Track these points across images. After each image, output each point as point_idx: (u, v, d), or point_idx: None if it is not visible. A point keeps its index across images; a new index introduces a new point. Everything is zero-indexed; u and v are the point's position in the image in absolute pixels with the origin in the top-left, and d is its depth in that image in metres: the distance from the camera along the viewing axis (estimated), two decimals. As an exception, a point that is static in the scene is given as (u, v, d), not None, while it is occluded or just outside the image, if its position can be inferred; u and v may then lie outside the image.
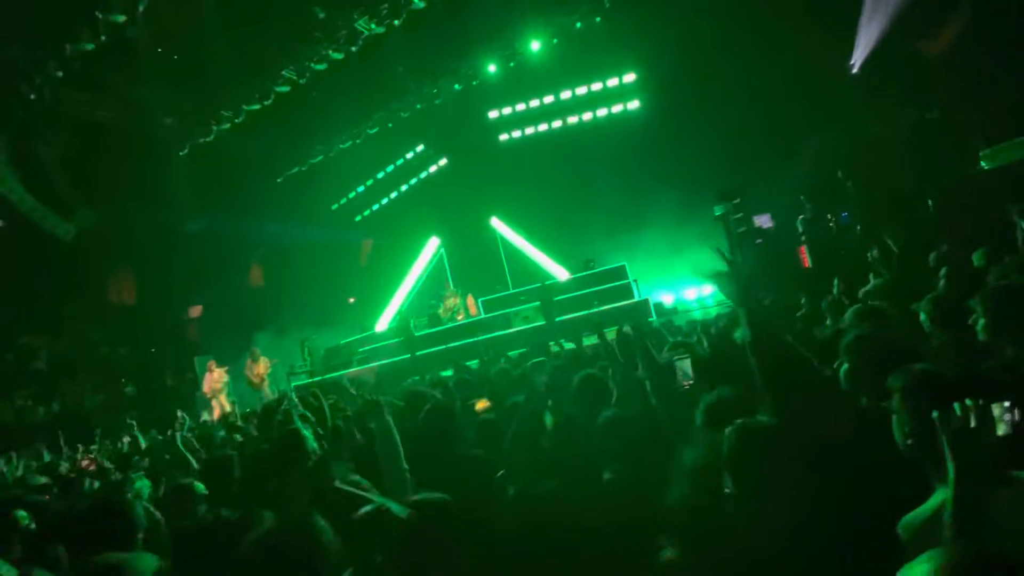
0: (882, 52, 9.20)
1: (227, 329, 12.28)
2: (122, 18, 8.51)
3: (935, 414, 1.12)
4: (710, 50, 10.29)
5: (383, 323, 14.18)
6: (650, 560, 1.56)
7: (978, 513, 1.03)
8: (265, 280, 14.68)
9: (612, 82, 12.80)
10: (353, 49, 10.33)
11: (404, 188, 15.80)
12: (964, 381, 1.31)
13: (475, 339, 10.40)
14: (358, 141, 13.66)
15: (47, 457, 5.18)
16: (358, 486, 2.09)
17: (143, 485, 3.08)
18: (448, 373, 5.63)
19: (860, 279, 4.76)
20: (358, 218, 16.20)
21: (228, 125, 11.52)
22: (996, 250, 3.90)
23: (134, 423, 5.00)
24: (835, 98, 10.02)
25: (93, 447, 5.59)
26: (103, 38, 8.69)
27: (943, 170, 6.99)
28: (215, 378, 10.67)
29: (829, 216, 8.21)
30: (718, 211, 8.90)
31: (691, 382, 2.68)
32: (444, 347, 10.66)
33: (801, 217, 8.52)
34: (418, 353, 10.38)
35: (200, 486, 2.91)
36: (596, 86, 12.87)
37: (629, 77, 12.67)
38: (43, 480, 4.12)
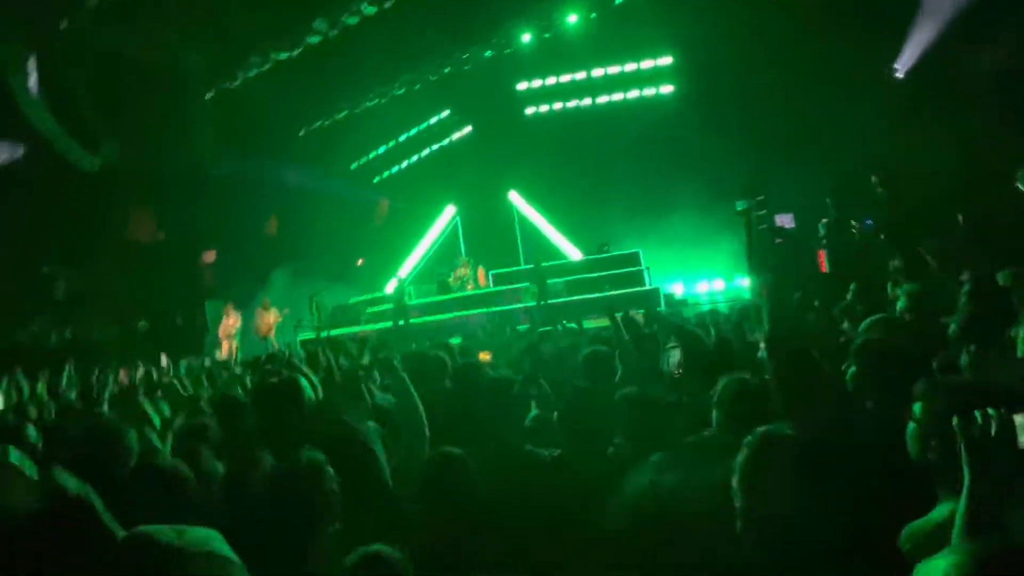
0: (931, 59, 8.89)
1: (239, 276, 12.41)
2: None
3: (955, 421, 1.11)
4: (751, 39, 10.01)
5: (392, 286, 14.25)
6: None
7: (991, 524, 1.02)
8: (280, 231, 14.74)
9: (647, 64, 12.52)
10: (387, 5, 10.13)
11: (425, 153, 15.67)
12: (987, 390, 1.29)
13: (478, 311, 10.48)
14: (383, 101, 13.52)
15: (65, 381, 5.33)
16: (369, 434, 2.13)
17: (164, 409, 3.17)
18: (457, 340, 5.66)
19: (878, 288, 4.70)
20: (376, 179, 16.13)
21: (255, 72, 11.42)
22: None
23: (164, 355, 5.12)
24: (875, 101, 9.73)
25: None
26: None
27: (980, 186, 6.81)
28: (230, 323, 10.83)
29: (853, 222, 8.06)
30: (740, 206, 8.74)
31: (680, 371, 2.75)
32: (445, 316, 10.75)
33: (824, 220, 8.38)
34: (411, 321, 10.47)
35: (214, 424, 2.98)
36: (630, 66, 12.60)
37: (665, 60, 12.37)
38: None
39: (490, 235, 14.10)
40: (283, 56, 11.17)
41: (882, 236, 7.52)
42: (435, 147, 15.59)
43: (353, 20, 10.46)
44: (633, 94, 12.91)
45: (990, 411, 1.07)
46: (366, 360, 4.33)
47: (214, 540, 1.07)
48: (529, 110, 13.92)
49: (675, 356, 2.68)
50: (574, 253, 13.19)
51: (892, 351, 2.04)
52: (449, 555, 1.72)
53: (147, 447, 2.72)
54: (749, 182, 9.98)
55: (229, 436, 2.96)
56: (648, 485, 1.64)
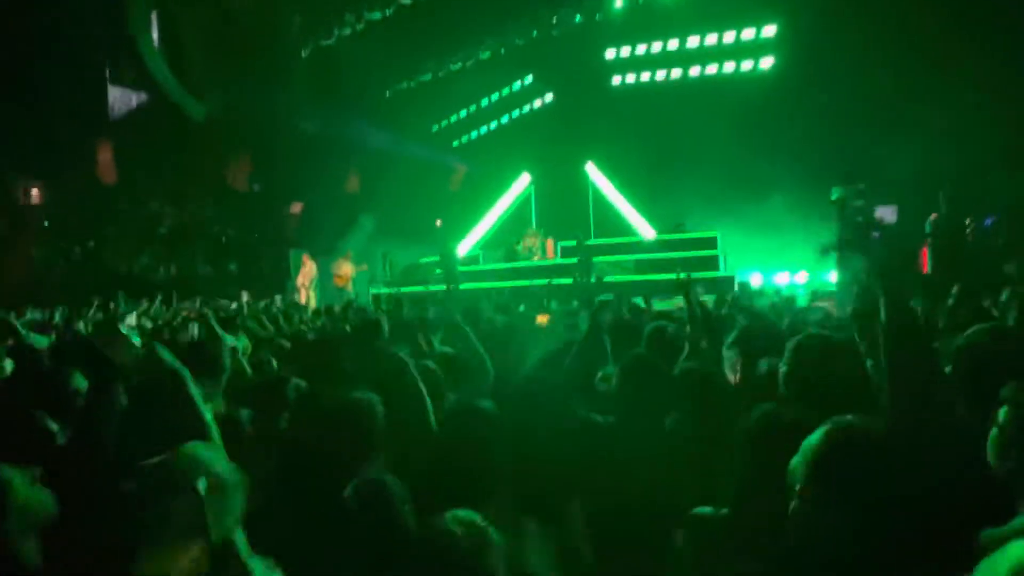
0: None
1: (321, 228, 13.14)
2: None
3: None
4: (866, 10, 9.02)
5: (463, 249, 14.53)
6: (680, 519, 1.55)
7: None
8: (361, 188, 15.34)
9: (747, 33, 11.62)
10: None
11: (505, 119, 15.59)
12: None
13: (542, 281, 10.46)
14: (468, 64, 13.53)
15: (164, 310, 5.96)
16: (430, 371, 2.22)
17: (243, 343, 3.45)
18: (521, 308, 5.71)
19: (990, 292, 4.22)
20: (455, 143, 16.31)
21: (349, 30, 11.77)
22: None
23: (245, 292, 5.59)
24: (1004, 91, 8.53)
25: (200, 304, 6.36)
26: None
27: None
28: (307, 271, 11.53)
29: (968, 220, 7.23)
30: (835, 194, 8.08)
31: (738, 379, 2.56)
32: (508, 284, 10.82)
33: (933, 216, 7.56)
34: (476, 286, 10.61)
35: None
36: (729, 36, 11.75)
37: (769, 30, 11.43)
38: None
39: (563, 206, 13.92)
40: (376, 16, 11.43)
41: (999, 240, 6.73)
42: (516, 113, 15.47)
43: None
44: (729, 67, 12.06)
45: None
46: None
47: None
48: (615, 79, 13.41)
49: (732, 359, 2.51)
50: (647, 231, 12.79)
51: (996, 357, 1.84)
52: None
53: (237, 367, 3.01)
54: (849, 169, 9.16)
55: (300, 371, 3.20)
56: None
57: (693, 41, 12.19)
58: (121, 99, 12.40)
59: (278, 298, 7.70)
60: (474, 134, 16.19)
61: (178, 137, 12.08)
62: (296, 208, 14.45)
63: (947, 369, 2.04)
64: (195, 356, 2.63)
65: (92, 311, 5.85)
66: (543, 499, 1.79)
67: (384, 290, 11.96)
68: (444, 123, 16.08)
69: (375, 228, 13.57)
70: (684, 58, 12.48)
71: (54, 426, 1.91)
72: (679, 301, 4.92)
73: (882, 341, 1.61)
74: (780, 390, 1.91)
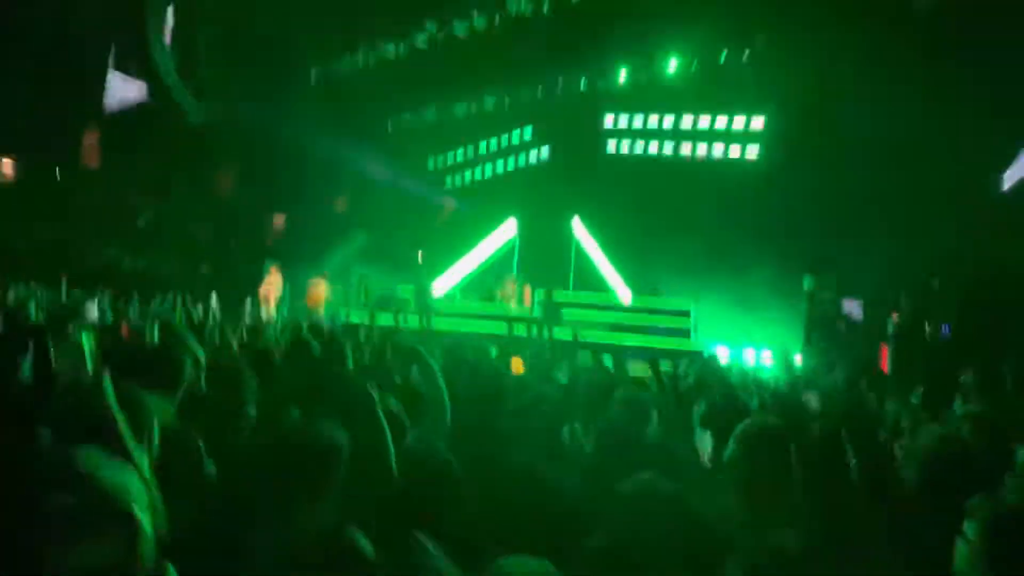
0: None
1: (301, 245, 12.99)
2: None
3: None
4: (852, 117, 9.74)
5: (441, 286, 14.49)
6: None
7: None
8: (348, 213, 15.34)
9: (738, 122, 12.37)
10: (496, 22, 10.54)
11: (500, 167, 15.97)
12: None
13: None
14: (473, 110, 13.95)
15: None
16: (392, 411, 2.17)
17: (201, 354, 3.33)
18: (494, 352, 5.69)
19: (942, 399, 4.40)
20: (448, 182, 16.56)
21: (362, 62, 12.08)
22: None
23: (214, 293, 5.44)
24: (973, 207, 9.23)
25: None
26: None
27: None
28: (271, 281, 11.24)
29: (928, 325, 7.60)
30: (807, 284, 8.45)
31: (711, 462, 2.55)
32: (480, 328, 10.81)
33: (895, 316, 7.94)
34: (445, 328, 10.57)
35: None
36: (721, 122, 12.48)
37: (757, 122, 12.19)
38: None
39: (545, 257, 14.13)
40: (389, 50, 11.78)
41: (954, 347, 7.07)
42: (511, 162, 15.88)
43: (462, 29, 10.93)
44: (718, 149, 12.77)
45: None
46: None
47: None
48: (611, 145, 13.99)
49: (707, 442, 2.52)
50: (624, 293, 13.03)
51: (959, 462, 1.91)
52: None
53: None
54: (820, 261, 9.64)
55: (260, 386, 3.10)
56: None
57: (687, 121, 12.88)
58: (120, 86, 12.29)
59: (248, 301, 7.50)
60: (468, 176, 16.50)
61: (171, 134, 11.98)
62: (278, 221, 14.31)
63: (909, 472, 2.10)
64: (155, 363, 2.54)
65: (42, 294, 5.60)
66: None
67: (356, 316, 11.76)
68: (440, 161, 16.38)
69: (358, 250, 13.48)
70: (677, 135, 13.15)
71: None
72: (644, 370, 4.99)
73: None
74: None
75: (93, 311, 4.66)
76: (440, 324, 10.84)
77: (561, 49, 11.67)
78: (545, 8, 10.03)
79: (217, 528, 1.60)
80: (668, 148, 13.35)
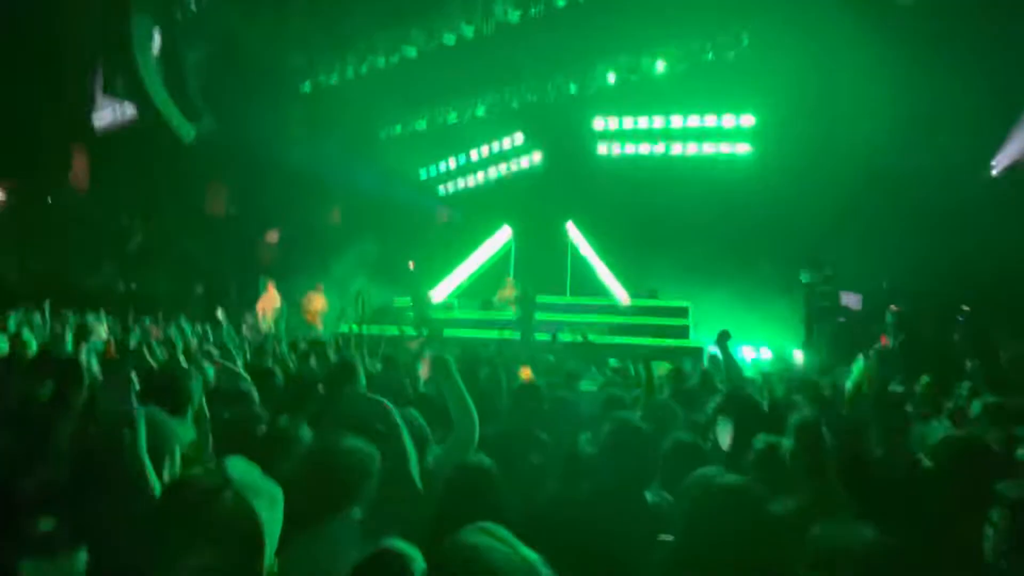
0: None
1: (295, 260, 12.92)
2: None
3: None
4: (840, 111, 9.84)
5: (438, 294, 14.46)
6: None
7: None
8: (341, 225, 15.29)
9: (728, 120, 12.45)
10: (485, 30, 10.58)
11: (492, 173, 15.98)
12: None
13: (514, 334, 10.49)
14: (464, 117, 13.97)
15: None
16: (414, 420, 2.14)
17: (208, 370, 3.29)
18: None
19: (947, 385, 4.41)
20: (441, 191, 16.56)
21: (352, 73, 12.08)
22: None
23: (220, 308, 5.38)
24: (965, 196, 9.31)
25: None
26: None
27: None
28: (269, 298, 11.19)
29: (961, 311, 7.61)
30: (805, 278, 8.47)
31: (731, 446, 2.57)
32: (480, 334, 10.79)
33: (893, 307, 7.98)
34: (448, 333, 10.55)
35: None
36: (710, 120, 12.55)
37: (747, 120, 12.28)
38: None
39: (541, 262, 14.13)
40: (379, 62, 11.79)
41: (956, 337, 7.11)
42: (503, 169, 15.90)
43: (451, 39, 10.96)
44: (709, 148, 12.83)
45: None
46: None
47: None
48: (601, 148, 14.03)
49: (726, 430, 2.53)
50: (621, 295, 13.04)
51: (982, 451, 1.91)
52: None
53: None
54: (817, 255, 9.68)
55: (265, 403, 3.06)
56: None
57: (677, 121, 12.95)
58: (108, 108, 12.23)
59: (247, 317, 7.44)
60: (460, 184, 16.51)
61: (161, 154, 11.91)
62: (272, 236, 14.24)
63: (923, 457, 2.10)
64: (162, 385, 2.50)
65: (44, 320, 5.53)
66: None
67: (354, 328, 11.68)
68: (432, 170, 16.38)
69: (351, 265, 13.42)
70: (668, 135, 13.21)
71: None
72: (664, 367, 4.99)
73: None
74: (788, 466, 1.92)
75: (102, 332, 4.61)
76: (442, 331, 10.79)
77: (549, 54, 11.73)
78: (532, 12, 10.08)
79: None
80: (660, 148, 13.40)
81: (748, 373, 4.49)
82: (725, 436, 2.51)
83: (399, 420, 2.00)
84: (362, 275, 13.42)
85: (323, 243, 13.85)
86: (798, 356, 9.05)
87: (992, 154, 9.71)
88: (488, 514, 1.74)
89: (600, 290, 13.40)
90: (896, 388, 4.43)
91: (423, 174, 16.29)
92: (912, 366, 5.33)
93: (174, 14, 10.91)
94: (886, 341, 7.85)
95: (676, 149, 13.20)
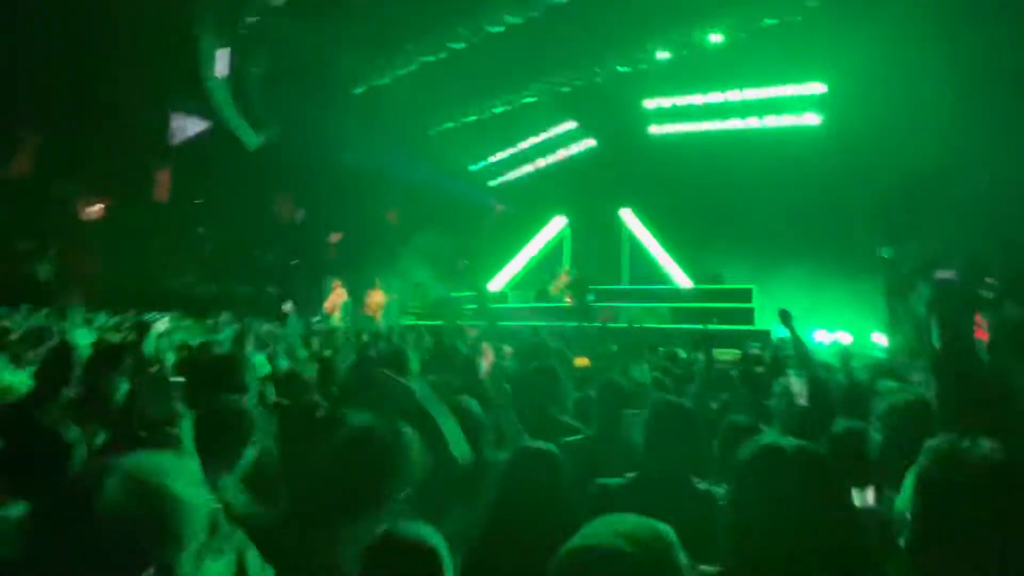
0: None
1: (357, 258, 13.45)
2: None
3: None
4: (920, 73, 8.94)
5: (495, 285, 14.61)
6: None
7: None
8: (399, 222, 15.71)
9: (792, 90, 11.66)
10: (531, 15, 10.45)
11: (543, 162, 15.86)
12: None
13: (571, 324, 10.40)
14: (512, 108, 13.92)
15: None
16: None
17: (260, 361, 3.46)
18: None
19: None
20: (493, 183, 16.63)
21: (402, 72, 12.31)
22: None
23: (289, 303, 5.69)
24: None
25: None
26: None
27: None
28: (336, 297, 11.75)
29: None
30: (886, 253, 7.82)
31: (802, 402, 2.44)
32: (538, 323, 10.76)
33: (989, 280, 7.20)
34: (503, 324, 10.60)
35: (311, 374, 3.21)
36: (773, 91, 11.79)
37: (815, 87, 11.42)
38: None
39: (597, 250, 13.91)
40: (428, 59, 11.94)
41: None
42: (555, 157, 15.74)
43: (497, 29, 10.91)
44: (771, 121, 12.07)
45: None
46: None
47: None
48: (653, 128, 13.56)
49: (797, 385, 2.37)
50: (683, 280, 12.61)
51: None
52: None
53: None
54: (895, 230, 8.91)
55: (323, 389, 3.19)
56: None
57: (734, 95, 12.28)
58: (183, 125, 13.14)
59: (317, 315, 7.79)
60: (512, 174, 16.50)
61: (231, 164, 12.68)
62: (335, 237, 14.84)
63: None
64: (222, 371, 2.63)
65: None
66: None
67: (414, 321, 12.02)
68: (484, 162, 16.47)
69: (409, 260, 13.78)
70: (725, 110, 12.56)
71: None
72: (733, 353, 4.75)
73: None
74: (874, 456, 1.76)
75: (163, 324, 4.96)
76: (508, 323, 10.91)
77: (596, 35, 11.41)
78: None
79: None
80: (717, 125, 12.76)
81: (823, 356, 4.18)
82: (797, 391, 2.35)
83: (435, 404, 2.01)
84: (420, 269, 13.78)
85: (382, 241, 14.29)
86: (880, 339, 8.39)
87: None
88: (548, 499, 1.73)
89: (660, 277, 13.03)
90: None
91: (474, 167, 16.41)
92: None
93: (236, 31, 11.54)
94: (981, 320, 7.11)
95: (735, 124, 12.54)
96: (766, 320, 10.75)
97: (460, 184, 15.57)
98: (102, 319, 6.02)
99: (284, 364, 3.87)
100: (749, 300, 11.07)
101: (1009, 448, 1.15)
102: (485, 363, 2.86)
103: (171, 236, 12.55)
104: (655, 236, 13.56)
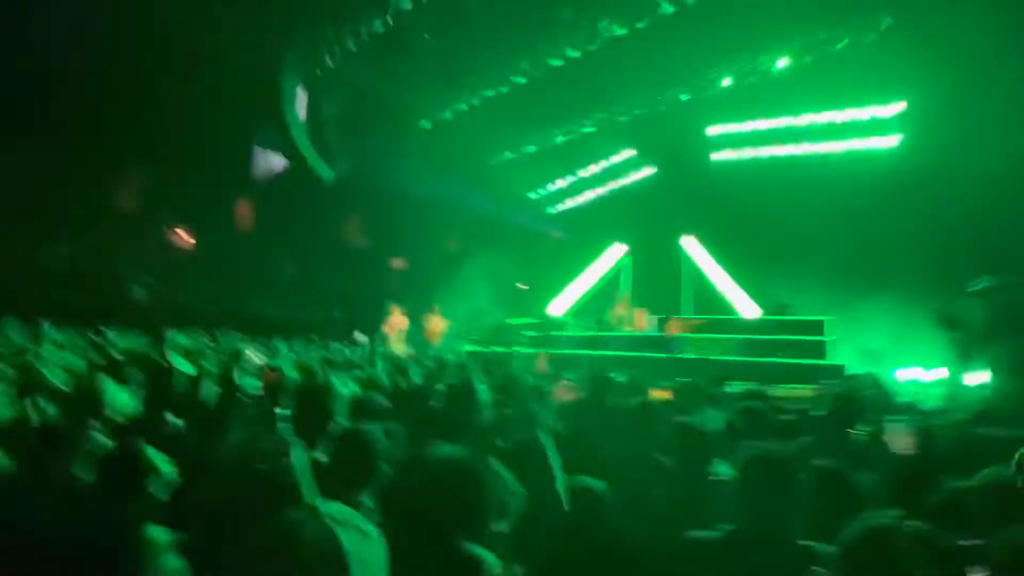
0: None
1: (417, 284, 13.86)
2: (408, 5, 9.96)
3: None
4: (1009, 88, 8.33)
5: (555, 311, 14.61)
6: None
7: None
8: (459, 250, 16.10)
9: (868, 112, 11.12)
10: (591, 48, 10.62)
11: (604, 190, 15.85)
12: None
13: (634, 353, 10.20)
14: (572, 137, 14.09)
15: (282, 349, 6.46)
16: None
17: (352, 389, 3.60)
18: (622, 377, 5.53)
19: None
20: (551, 210, 16.76)
21: (466, 107, 12.79)
22: None
23: (359, 333, 5.94)
24: None
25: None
26: (391, 22, 10.30)
27: None
28: (395, 322, 12.10)
29: None
30: (980, 284, 7.21)
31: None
32: (597, 352, 10.63)
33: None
34: (564, 352, 10.53)
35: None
36: (847, 114, 11.29)
37: (895, 107, 10.80)
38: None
39: (657, 279, 13.66)
40: (490, 93, 12.35)
41: None
42: (615, 185, 15.70)
43: (557, 63, 11.16)
44: (847, 145, 11.50)
45: None
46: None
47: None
48: (717, 156, 13.29)
49: (902, 431, 2.20)
50: (752, 309, 12.11)
51: None
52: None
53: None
54: (987, 259, 8.18)
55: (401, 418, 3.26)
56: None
57: (804, 119, 11.87)
58: (265, 160, 14.19)
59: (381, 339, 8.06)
60: (572, 202, 16.57)
61: (307, 197, 13.53)
62: (398, 263, 15.39)
63: None
64: (304, 402, 2.76)
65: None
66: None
67: (472, 347, 12.16)
68: (543, 191, 16.65)
69: (468, 287, 14.04)
70: (794, 135, 12.14)
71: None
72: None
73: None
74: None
75: (252, 356, 5.30)
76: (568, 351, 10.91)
77: (657, 65, 11.41)
78: (639, 25, 9.92)
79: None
80: (786, 150, 12.33)
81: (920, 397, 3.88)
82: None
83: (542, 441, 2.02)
84: (478, 296, 14.00)
85: (443, 268, 14.66)
86: (981, 378, 7.65)
87: None
88: (602, 544, 1.68)
89: (723, 307, 12.60)
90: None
91: (533, 195, 16.62)
92: None
93: (315, 71, 12.43)
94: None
95: (804, 149, 12.08)
96: (840, 355, 10.11)
97: (519, 211, 15.81)
98: (184, 340, 6.48)
99: (355, 390, 3.99)
100: (821, 332, 10.47)
101: None
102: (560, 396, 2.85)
103: (250, 263, 13.45)
104: (721, 264, 13.16)
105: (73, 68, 10.30)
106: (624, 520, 1.78)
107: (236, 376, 3.78)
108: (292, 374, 4.33)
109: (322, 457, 2.19)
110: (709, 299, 12.74)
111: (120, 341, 6.21)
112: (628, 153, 14.96)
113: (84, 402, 2.88)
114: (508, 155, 15.18)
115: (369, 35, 10.67)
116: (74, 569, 0.90)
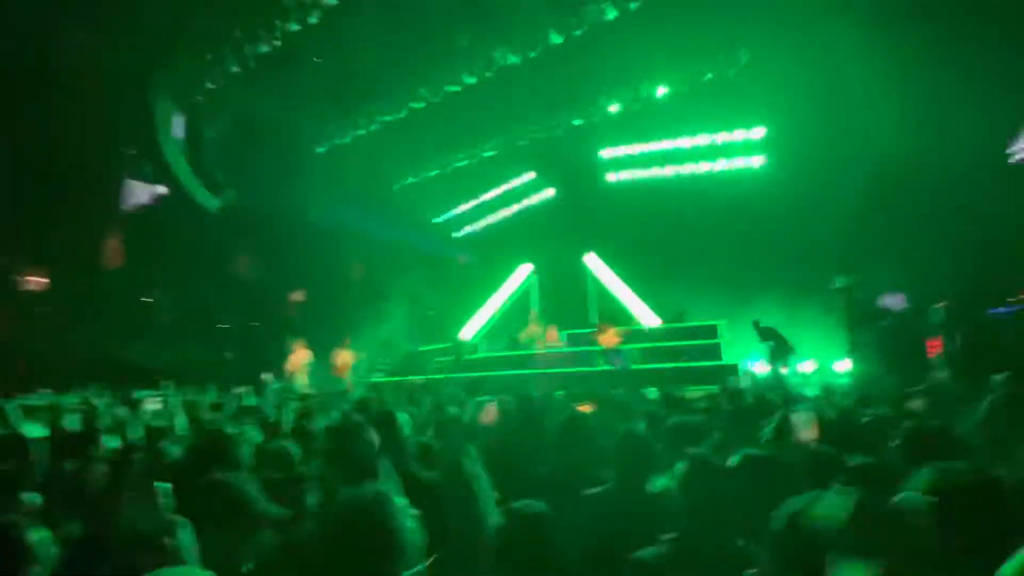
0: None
1: (321, 316, 13.08)
2: (297, 27, 9.60)
3: None
4: (851, 111, 9.74)
5: (466, 335, 14.45)
6: None
7: None
8: (363, 278, 15.53)
9: (737, 135, 12.49)
10: (487, 75, 10.89)
11: (505, 212, 16.17)
12: None
13: (550, 370, 10.35)
14: (473, 161, 14.27)
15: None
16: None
17: (254, 435, 3.26)
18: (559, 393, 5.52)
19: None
20: (456, 235, 16.77)
21: (363, 132, 12.50)
22: None
23: (270, 376, 5.41)
24: (986, 182, 9.06)
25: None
26: (278, 44, 9.84)
27: None
28: (298, 358, 11.28)
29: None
30: (840, 282, 8.22)
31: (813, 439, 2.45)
32: (511, 372, 10.67)
33: (941, 304, 7.64)
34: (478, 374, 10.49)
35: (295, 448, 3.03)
36: (719, 137, 12.60)
37: (757, 132, 12.28)
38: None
39: (564, 296, 14.07)
40: (388, 118, 12.19)
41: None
42: (516, 207, 16.08)
43: (455, 89, 11.30)
44: (720, 165, 12.83)
45: None
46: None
47: None
48: (611, 176, 14.15)
49: (806, 419, 2.37)
50: (651, 319, 12.83)
51: None
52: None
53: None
54: (846, 260, 9.42)
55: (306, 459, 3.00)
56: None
57: (684, 142, 13.04)
58: (137, 191, 12.80)
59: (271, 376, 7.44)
60: (475, 225, 16.71)
61: (188, 228, 12.35)
62: (298, 296, 14.48)
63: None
64: (212, 448, 2.47)
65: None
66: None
67: (384, 378, 11.68)
68: (446, 215, 16.64)
69: (375, 316, 13.53)
70: (677, 156, 13.28)
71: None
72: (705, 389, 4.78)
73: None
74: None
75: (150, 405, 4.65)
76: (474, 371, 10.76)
77: (551, 91, 11.99)
78: (531, 54, 10.36)
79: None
80: (671, 171, 13.46)
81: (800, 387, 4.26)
82: (806, 426, 2.34)
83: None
84: (387, 325, 13.53)
85: (347, 298, 14.04)
86: (845, 366, 8.68)
87: (1007, 143, 9.50)
88: (544, 567, 1.63)
89: (627, 318, 13.23)
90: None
91: (438, 220, 16.55)
92: (977, 364, 5.03)
93: (193, 96, 11.52)
94: (937, 343, 7.50)
95: (688, 169, 13.24)
96: (733, 355, 11.00)
97: (424, 237, 15.63)
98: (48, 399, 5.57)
99: (258, 437, 3.63)
100: (715, 336, 11.32)
101: None
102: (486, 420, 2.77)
103: (124, 304, 11.94)
104: (620, 277, 13.86)
105: None
106: (563, 541, 1.73)
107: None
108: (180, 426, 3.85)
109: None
110: (613, 312, 13.32)
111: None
112: (528, 176, 15.42)
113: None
114: (411, 179, 15.02)
115: (255, 57, 10.11)
116: None
